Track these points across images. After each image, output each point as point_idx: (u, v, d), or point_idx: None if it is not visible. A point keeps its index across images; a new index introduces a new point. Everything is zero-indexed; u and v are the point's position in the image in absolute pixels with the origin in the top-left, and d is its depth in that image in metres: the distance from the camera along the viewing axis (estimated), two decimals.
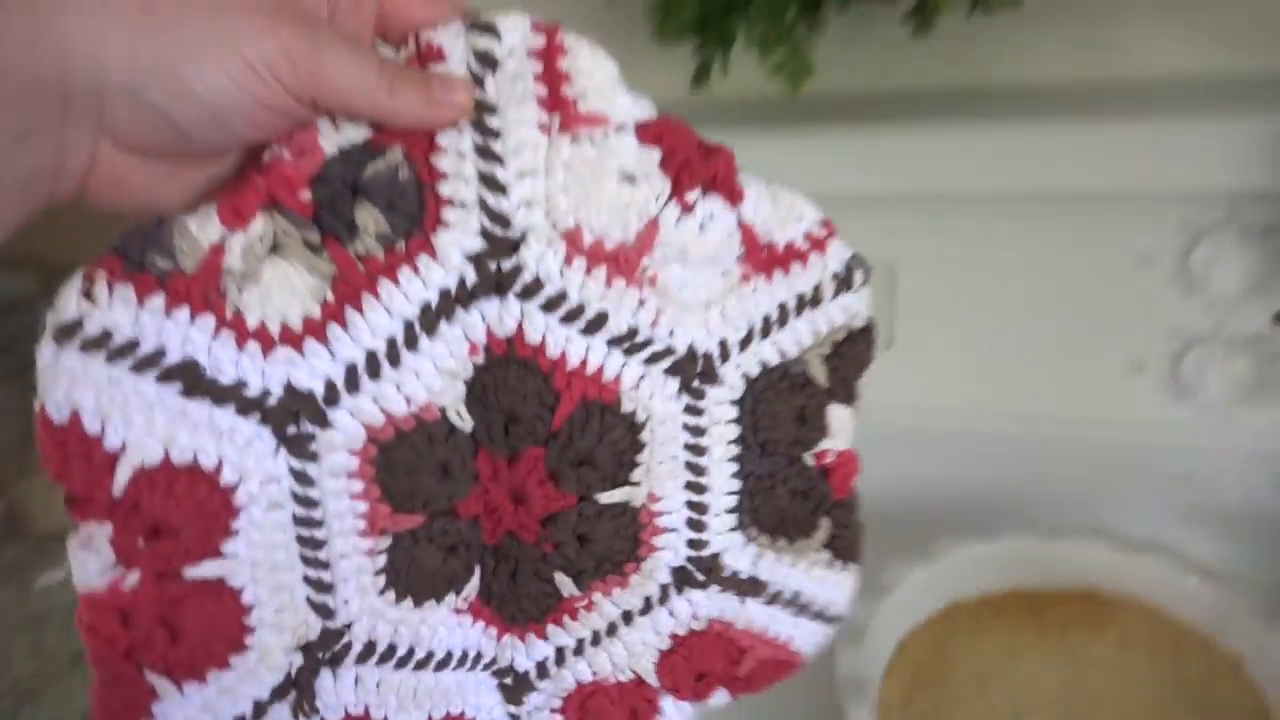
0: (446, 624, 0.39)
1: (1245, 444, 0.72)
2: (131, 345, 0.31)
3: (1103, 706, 0.62)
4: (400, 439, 0.35)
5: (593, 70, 0.34)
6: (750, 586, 0.41)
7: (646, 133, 0.36)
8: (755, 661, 0.42)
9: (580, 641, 0.40)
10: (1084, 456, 0.77)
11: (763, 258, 0.38)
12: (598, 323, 0.36)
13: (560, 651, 0.41)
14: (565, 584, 0.39)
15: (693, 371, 0.38)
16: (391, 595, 0.37)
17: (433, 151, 0.34)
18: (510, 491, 0.38)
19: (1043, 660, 0.66)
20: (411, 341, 0.34)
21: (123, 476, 0.32)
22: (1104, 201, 0.71)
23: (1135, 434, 0.74)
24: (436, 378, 0.35)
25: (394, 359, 0.34)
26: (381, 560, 0.36)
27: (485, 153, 0.34)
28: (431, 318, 0.34)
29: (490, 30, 0.33)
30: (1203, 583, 0.66)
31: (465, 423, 0.36)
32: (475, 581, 0.39)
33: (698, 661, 0.41)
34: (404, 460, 0.35)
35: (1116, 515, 0.73)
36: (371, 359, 0.34)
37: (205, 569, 0.34)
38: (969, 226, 0.75)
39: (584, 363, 0.36)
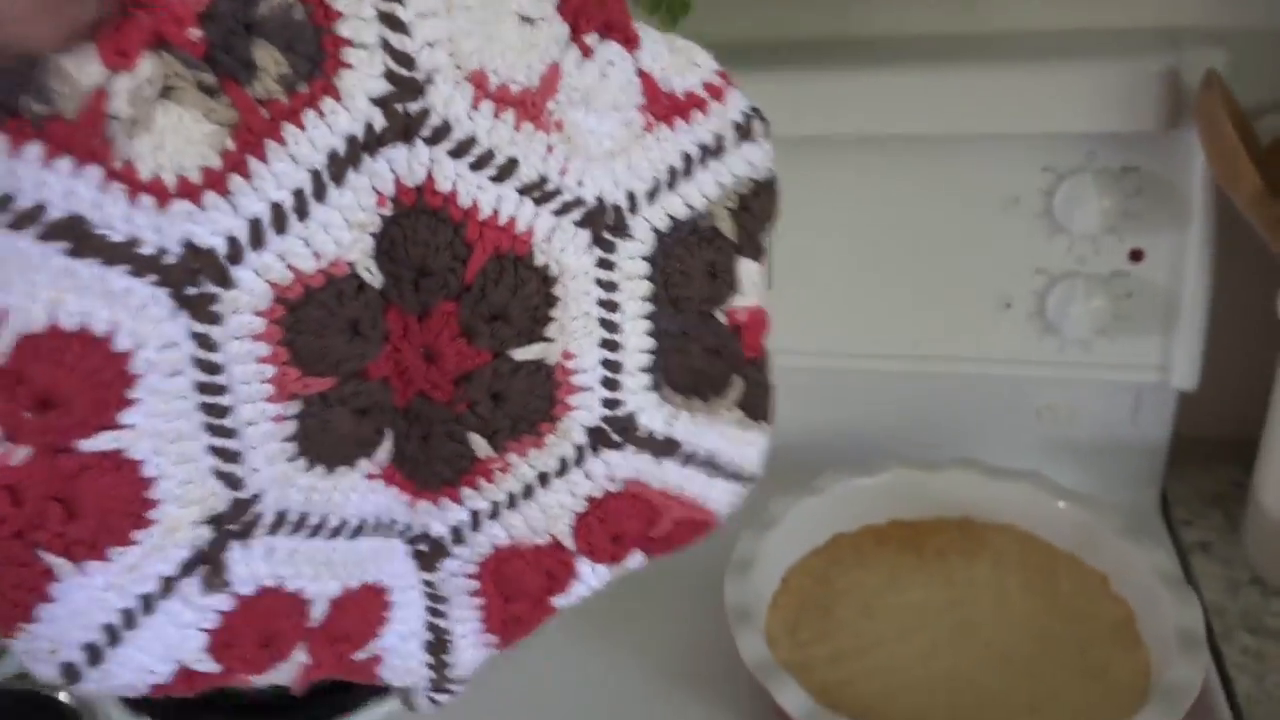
0: (359, 490, 0.37)
1: (1106, 376, 0.75)
2: (5, 200, 0.28)
3: (981, 624, 0.64)
4: (309, 297, 0.33)
5: None
6: (665, 446, 0.41)
7: None
8: (671, 522, 0.42)
9: (495, 505, 0.40)
10: (957, 391, 0.79)
11: (663, 106, 0.38)
12: (508, 169, 0.35)
13: (475, 515, 0.40)
14: (479, 445, 0.38)
15: (603, 223, 0.37)
16: (302, 462, 0.35)
17: None
18: (422, 349, 0.36)
19: (923, 585, 0.67)
20: (319, 192, 0.33)
21: (3, 345, 0.29)
22: (973, 144, 0.73)
23: (1005, 368, 0.77)
24: (345, 231, 0.34)
25: (301, 211, 0.33)
26: (291, 426, 0.35)
27: None
28: (339, 166, 0.33)
29: None
30: (1069, 506, 0.69)
31: (375, 278, 0.35)
32: (388, 445, 0.37)
33: (614, 523, 0.41)
34: (313, 320, 0.34)
35: (988, 447, 0.76)
36: (278, 212, 0.32)
37: (101, 441, 0.31)
38: (843, 169, 0.76)
39: (496, 213, 0.35)
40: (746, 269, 0.40)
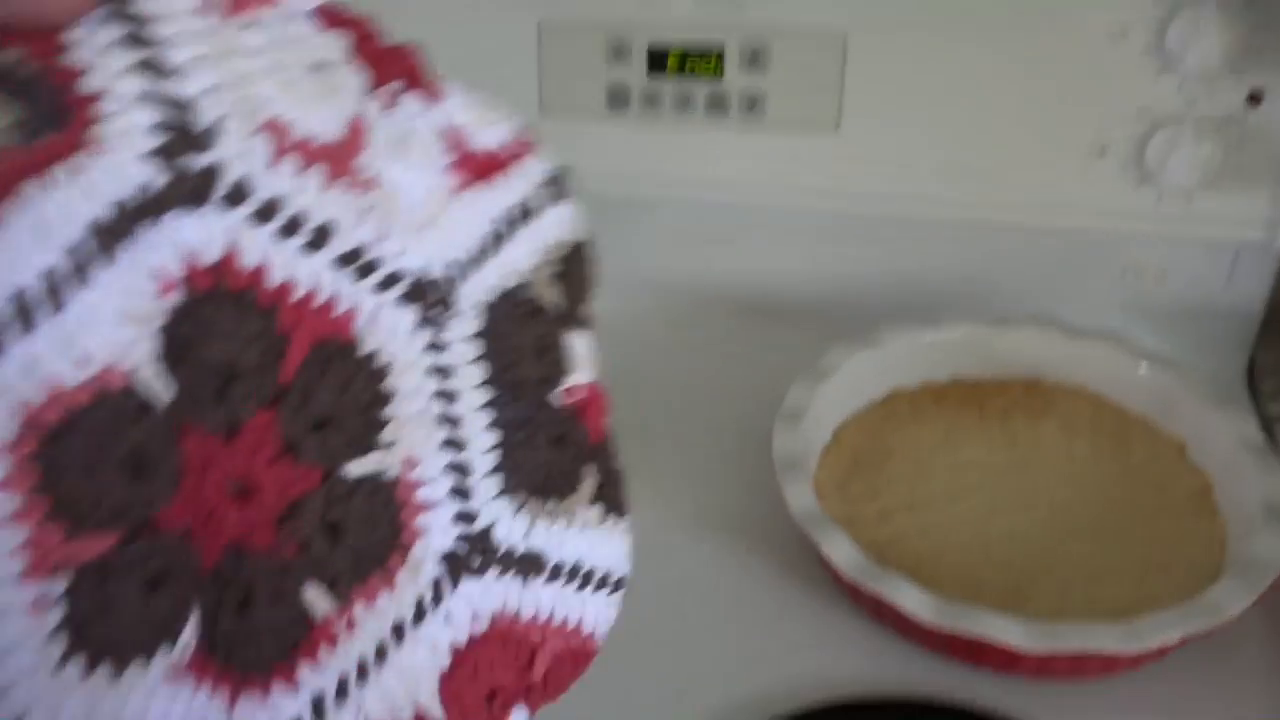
0: (159, 696, 0.28)
1: (1204, 233, 0.69)
2: None
3: (1044, 488, 0.60)
4: (71, 422, 0.25)
5: None
6: (530, 564, 0.35)
7: (326, 19, 0.30)
8: (550, 659, 0.35)
9: (344, 680, 0.31)
10: (1035, 244, 0.73)
11: (473, 165, 0.33)
12: (321, 237, 0.29)
13: (319, 703, 0.31)
14: (318, 599, 0.30)
15: (429, 299, 0.32)
16: (76, 667, 0.26)
17: (58, 52, 0.25)
18: (233, 482, 0.29)
19: (983, 445, 0.64)
20: (79, 274, 0.25)
21: None
22: None
23: (1090, 221, 0.71)
24: (119, 327, 0.26)
25: (55, 301, 0.25)
26: (57, 614, 0.26)
27: (138, 40, 0.26)
28: (106, 239, 0.25)
29: None
30: (1150, 369, 0.64)
31: (163, 389, 0.27)
32: (193, 625, 0.28)
33: (486, 677, 0.34)
34: (79, 453, 0.25)
35: (1065, 306, 0.71)
36: (20, 303, 0.24)
37: None
38: None
39: (312, 292, 0.29)
40: (576, 343, 0.36)
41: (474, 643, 0.34)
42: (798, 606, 0.57)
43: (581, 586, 0.36)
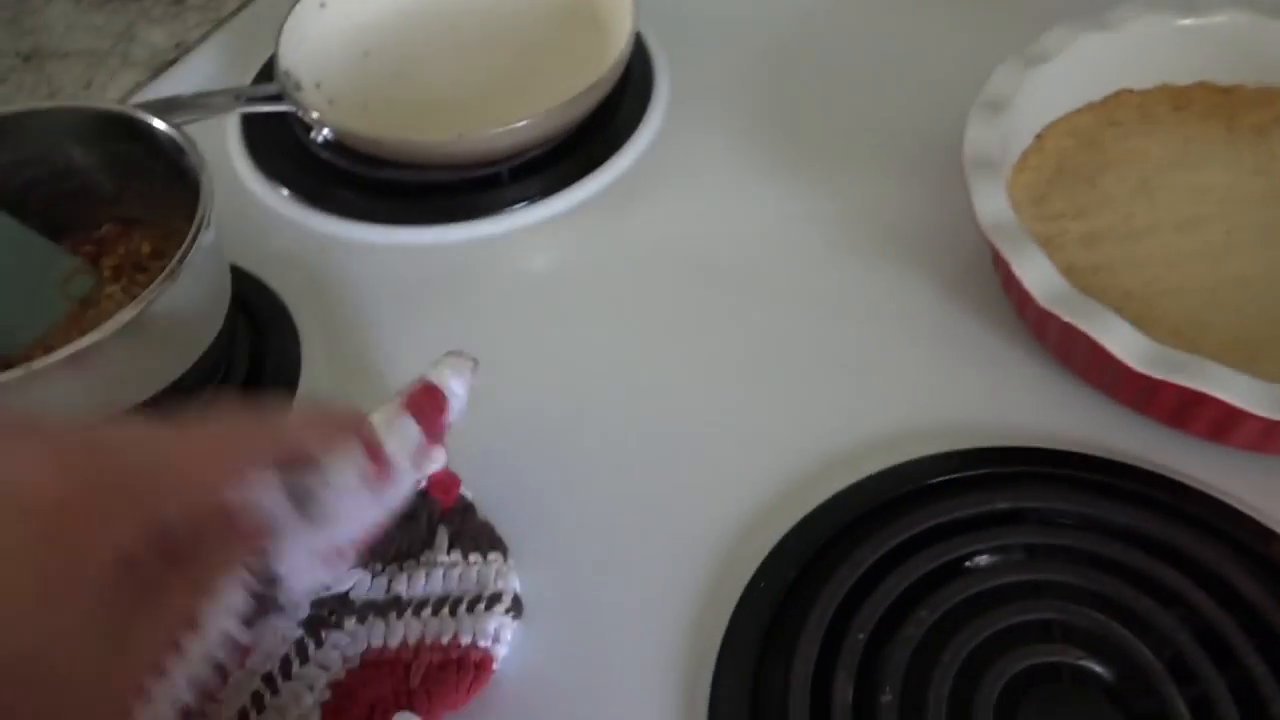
0: None
1: None
2: None
3: None
4: None
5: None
6: (391, 606, 0.40)
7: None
8: (424, 670, 0.38)
9: None
10: None
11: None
12: None
13: None
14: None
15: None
16: None
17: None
18: None
19: (1228, 167, 0.51)
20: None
21: None
22: None
23: None
24: None
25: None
26: None
27: None
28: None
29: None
30: None
31: None
32: None
33: (364, 695, 0.38)
34: None
35: None
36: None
37: None
38: None
39: None
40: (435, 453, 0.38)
41: (351, 674, 0.38)
42: (972, 337, 0.48)
43: (451, 612, 0.39)
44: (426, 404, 0.37)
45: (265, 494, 0.31)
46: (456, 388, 0.38)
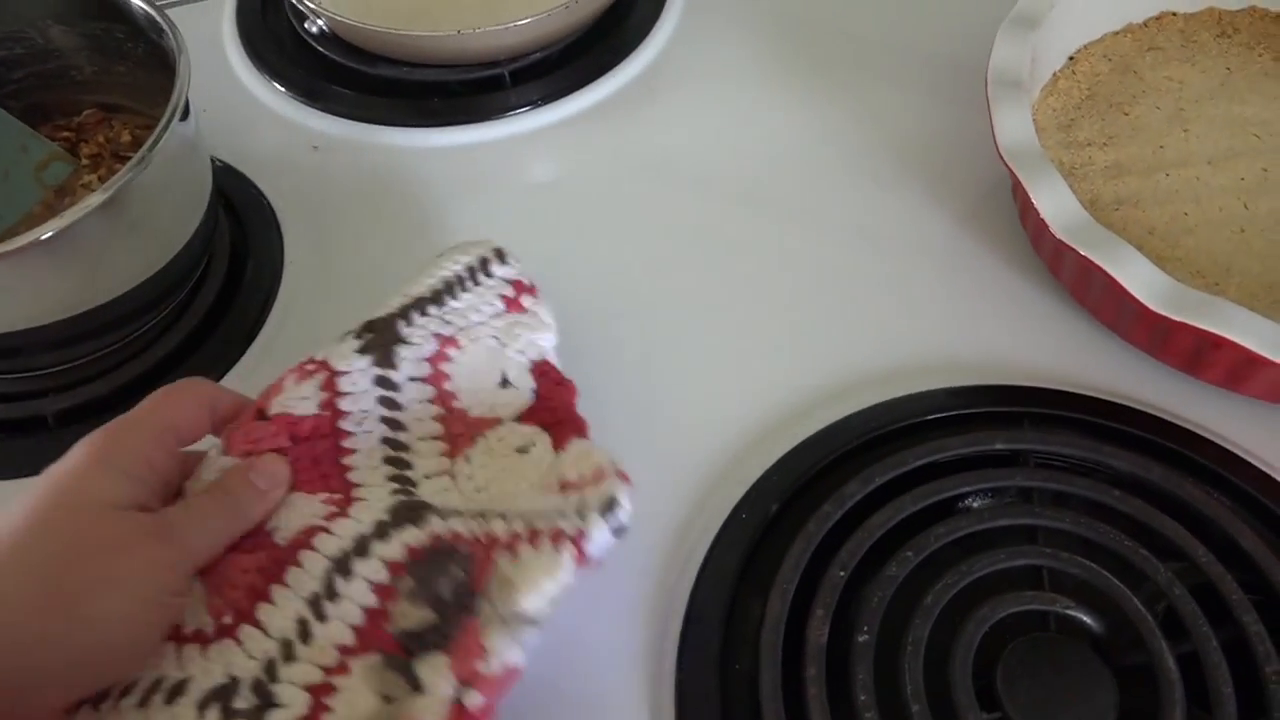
0: None
1: None
2: None
3: None
4: None
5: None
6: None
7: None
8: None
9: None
10: None
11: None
12: None
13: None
14: None
15: None
16: None
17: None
18: None
19: (1273, 100, 0.47)
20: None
21: None
22: None
23: None
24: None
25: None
26: None
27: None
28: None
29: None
30: None
31: None
32: None
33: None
34: None
35: None
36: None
37: None
38: None
39: None
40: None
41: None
42: (984, 270, 0.46)
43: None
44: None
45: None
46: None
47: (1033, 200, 0.40)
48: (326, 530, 0.33)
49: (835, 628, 0.34)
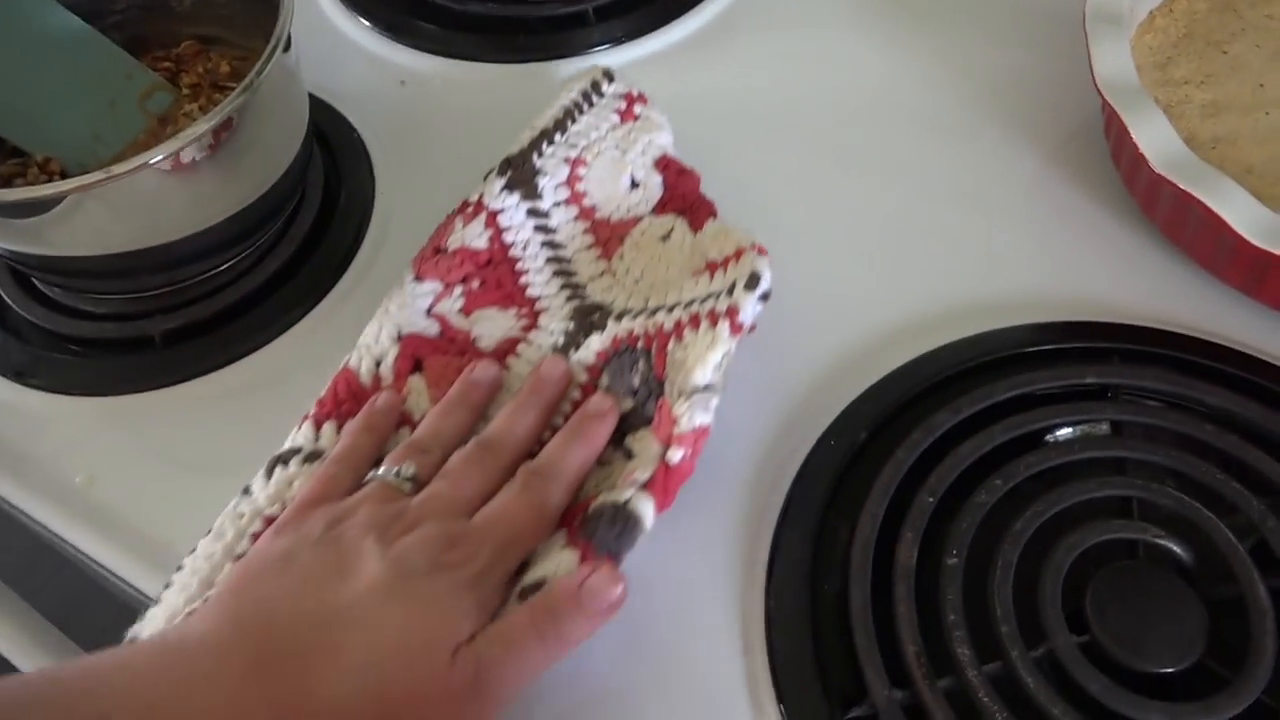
0: None
1: None
2: None
3: None
4: None
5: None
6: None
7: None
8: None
9: None
10: None
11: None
12: None
13: None
14: None
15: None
16: None
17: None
18: None
19: None
20: None
21: None
22: None
23: None
24: None
25: None
26: None
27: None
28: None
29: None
30: None
31: None
32: None
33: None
34: None
35: None
36: None
37: None
38: None
39: None
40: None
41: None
42: (1074, 208, 0.45)
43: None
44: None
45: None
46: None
47: (1131, 134, 0.39)
48: (524, 340, 0.41)
49: (924, 551, 0.35)
